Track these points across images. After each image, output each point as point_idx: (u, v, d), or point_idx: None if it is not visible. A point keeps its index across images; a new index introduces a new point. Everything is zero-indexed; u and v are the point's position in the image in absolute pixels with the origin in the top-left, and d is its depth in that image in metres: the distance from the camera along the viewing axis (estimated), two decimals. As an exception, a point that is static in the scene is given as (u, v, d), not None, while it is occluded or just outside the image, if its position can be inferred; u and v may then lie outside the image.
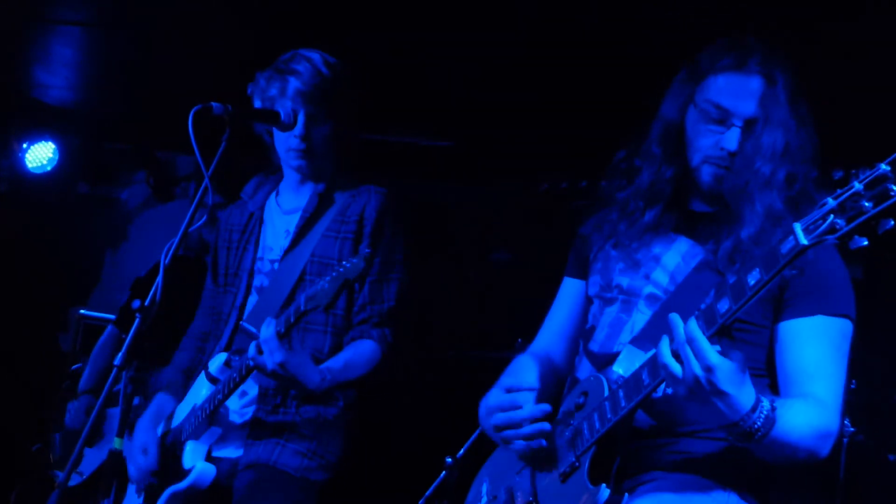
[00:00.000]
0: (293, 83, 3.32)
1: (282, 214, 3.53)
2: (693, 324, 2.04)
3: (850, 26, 3.86)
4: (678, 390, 2.09)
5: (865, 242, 1.84)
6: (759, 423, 2.08)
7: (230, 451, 3.34)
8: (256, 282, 3.50)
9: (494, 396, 2.53)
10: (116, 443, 2.77)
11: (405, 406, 3.74)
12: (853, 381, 4.52)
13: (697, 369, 2.02)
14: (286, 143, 3.38)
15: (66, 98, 6.37)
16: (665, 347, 2.09)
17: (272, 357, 3.04)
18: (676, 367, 2.06)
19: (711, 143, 2.48)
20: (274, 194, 3.59)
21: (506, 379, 2.66)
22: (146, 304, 2.78)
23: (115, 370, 2.76)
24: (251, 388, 3.34)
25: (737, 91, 2.47)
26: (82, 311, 6.58)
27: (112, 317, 5.43)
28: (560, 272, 2.87)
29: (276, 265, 3.45)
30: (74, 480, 4.73)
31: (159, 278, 2.78)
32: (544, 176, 6.25)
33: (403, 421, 3.40)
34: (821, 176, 2.44)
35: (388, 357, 3.31)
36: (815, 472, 4.82)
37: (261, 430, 3.29)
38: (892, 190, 1.79)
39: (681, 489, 2.33)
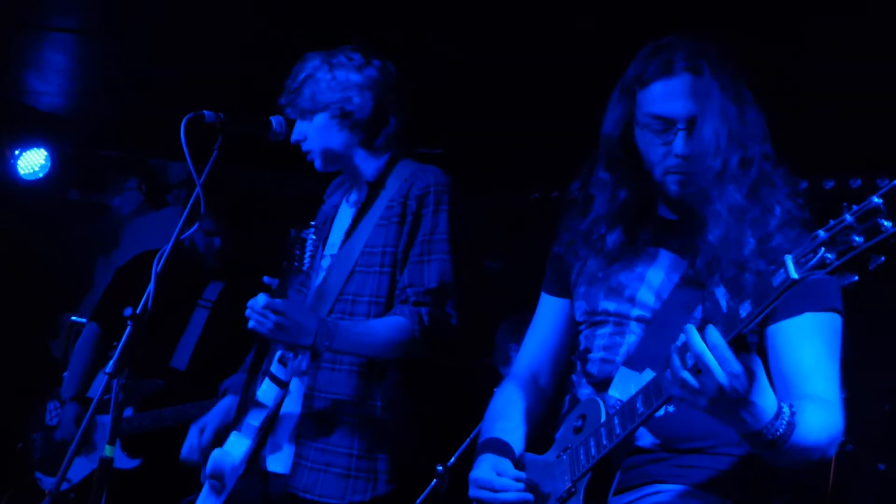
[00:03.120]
0: (282, 100, 3.39)
1: (348, 209, 3.54)
2: (714, 331, 1.95)
3: (850, 27, 3.88)
4: (698, 402, 1.99)
5: (856, 279, 1.77)
6: (781, 430, 2.01)
7: (280, 467, 3.32)
8: (317, 279, 3.48)
9: (483, 472, 2.46)
10: (107, 450, 2.76)
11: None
12: (843, 391, 4.53)
13: (723, 377, 1.93)
14: None
15: (58, 105, 6.37)
16: (678, 361, 1.99)
17: (272, 301, 3.03)
18: (694, 380, 1.96)
19: (665, 154, 2.44)
20: (348, 193, 3.61)
21: (499, 424, 2.63)
22: (138, 311, 2.78)
23: (105, 378, 2.76)
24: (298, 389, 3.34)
25: (668, 95, 2.43)
26: (74, 318, 6.58)
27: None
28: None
29: (332, 259, 3.45)
30: (62, 487, 4.71)
31: (151, 286, 2.78)
32: (536, 184, 6.26)
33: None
34: (811, 185, 2.43)
35: (424, 339, 3.19)
36: (807, 482, 4.84)
37: (317, 447, 3.28)
38: (883, 225, 1.72)
39: (677, 500, 2.32)
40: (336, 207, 3.61)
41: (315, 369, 3.31)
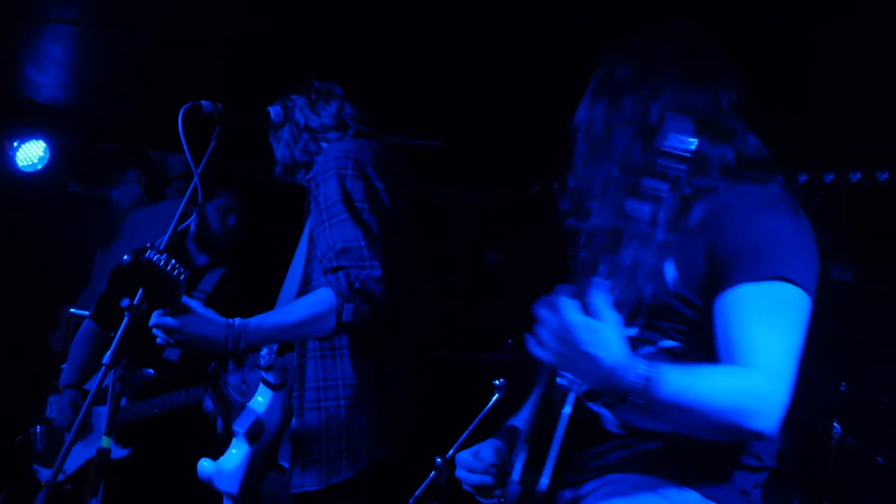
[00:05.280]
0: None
1: None
2: (562, 288, 1.96)
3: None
4: (549, 359, 1.99)
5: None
6: (637, 384, 1.96)
7: (288, 463, 3.36)
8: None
9: (466, 453, 2.54)
10: (105, 441, 2.76)
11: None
12: (843, 383, 4.53)
13: (558, 328, 1.94)
14: None
15: (57, 97, 6.36)
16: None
17: (161, 320, 3.02)
18: (542, 334, 1.98)
19: None
20: None
21: (520, 413, 2.66)
22: (135, 302, 2.78)
23: (103, 368, 2.76)
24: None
25: None
26: (73, 310, 6.57)
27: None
28: (551, 273, 2.85)
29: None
30: (58, 477, 4.71)
31: (149, 277, 2.78)
32: (536, 178, 6.26)
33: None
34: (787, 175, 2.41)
35: (356, 298, 3.12)
36: (805, 477, 4.82)
37: (298, 440, 3.30)
38: None
39: (632, 491, 2.23)
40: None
41: (298, 368, 3.34)
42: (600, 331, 1.95)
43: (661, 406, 1.99)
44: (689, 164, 2.02)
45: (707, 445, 2.15)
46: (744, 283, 2.12)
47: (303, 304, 3.15)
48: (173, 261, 2.92)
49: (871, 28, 3.87)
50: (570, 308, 1.94)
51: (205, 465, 3.35)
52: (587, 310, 1.94)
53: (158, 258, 2.88)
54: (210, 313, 3.05)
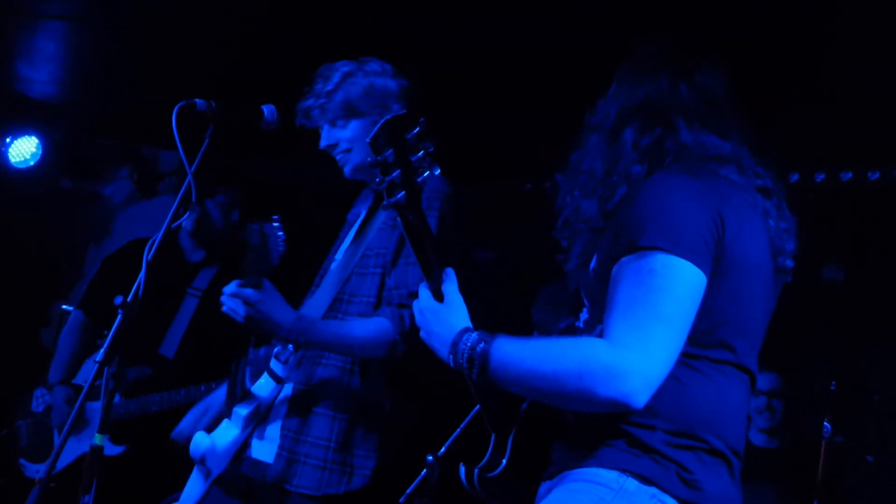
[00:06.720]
0: (308, 103, 3.43)
1: (360, 218, 3.57)
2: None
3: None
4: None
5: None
6: (465, 351, 2.22)
7: (264, 455, 3.33)
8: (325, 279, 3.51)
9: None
10: (97, 438, 2.76)
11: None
12: (833, 382, 4.55)
13: (416, 312, 2.38)
14: None
15: (49, 92, 6.35)
16: None
17: (241, 290, 3.04)
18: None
19: None
20: (367, 200, 3.63)
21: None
22: (128, 300, 2.78)
23: (96, 366, 2.76)
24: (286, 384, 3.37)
25: None
26: (64, 307, 6.57)
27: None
28: (542, 270, 2.86)
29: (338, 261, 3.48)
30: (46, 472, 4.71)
31: (142, 274, 2.78)
32: (528, 175, 6.27)
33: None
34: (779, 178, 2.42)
35: (405, 341, 3.16)
36: (795, 476, 4.82)
37: (303, 439, 3.30)
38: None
39: (569, 482, 2.22)
40: (357, 215, 3.63)
41: (310, 364, 3.33)
42: (442, 312, 2.33)
43: (496, 371, 2.19)
44: (621, 155, 2.31)
45: (648, 431, 2.15)
46: (617, 261, 2.15)
47: (363, 326, 3.20)
48: (282, 234, 2.96)
49: (866, 27, 3.88)
50: (423, 295, 2.37)
51: (200, 438, 3.35)
52: (442, 296, 2.33)
53: (274, 228, 2.96)
54: (282, 299, 3.11)
